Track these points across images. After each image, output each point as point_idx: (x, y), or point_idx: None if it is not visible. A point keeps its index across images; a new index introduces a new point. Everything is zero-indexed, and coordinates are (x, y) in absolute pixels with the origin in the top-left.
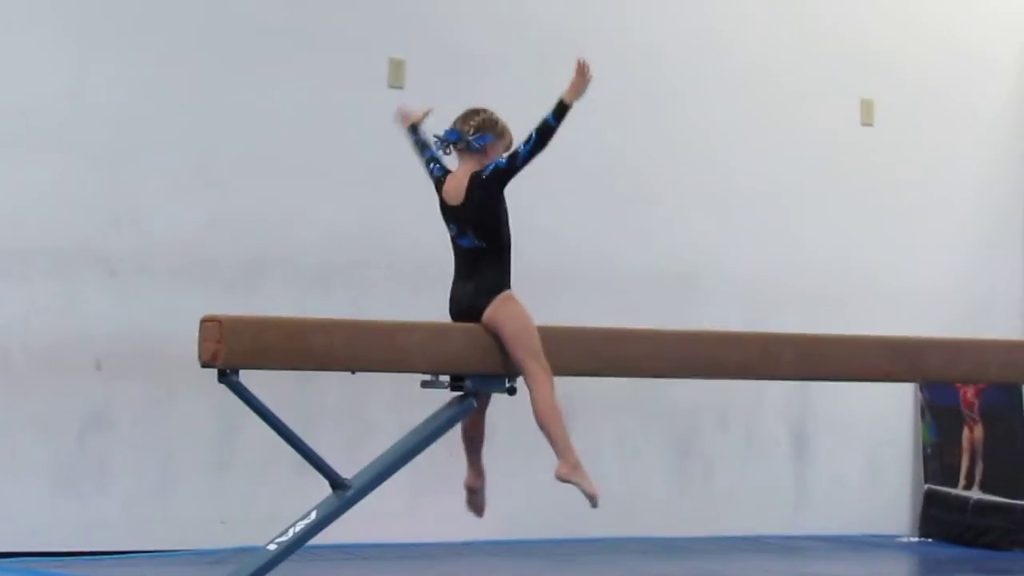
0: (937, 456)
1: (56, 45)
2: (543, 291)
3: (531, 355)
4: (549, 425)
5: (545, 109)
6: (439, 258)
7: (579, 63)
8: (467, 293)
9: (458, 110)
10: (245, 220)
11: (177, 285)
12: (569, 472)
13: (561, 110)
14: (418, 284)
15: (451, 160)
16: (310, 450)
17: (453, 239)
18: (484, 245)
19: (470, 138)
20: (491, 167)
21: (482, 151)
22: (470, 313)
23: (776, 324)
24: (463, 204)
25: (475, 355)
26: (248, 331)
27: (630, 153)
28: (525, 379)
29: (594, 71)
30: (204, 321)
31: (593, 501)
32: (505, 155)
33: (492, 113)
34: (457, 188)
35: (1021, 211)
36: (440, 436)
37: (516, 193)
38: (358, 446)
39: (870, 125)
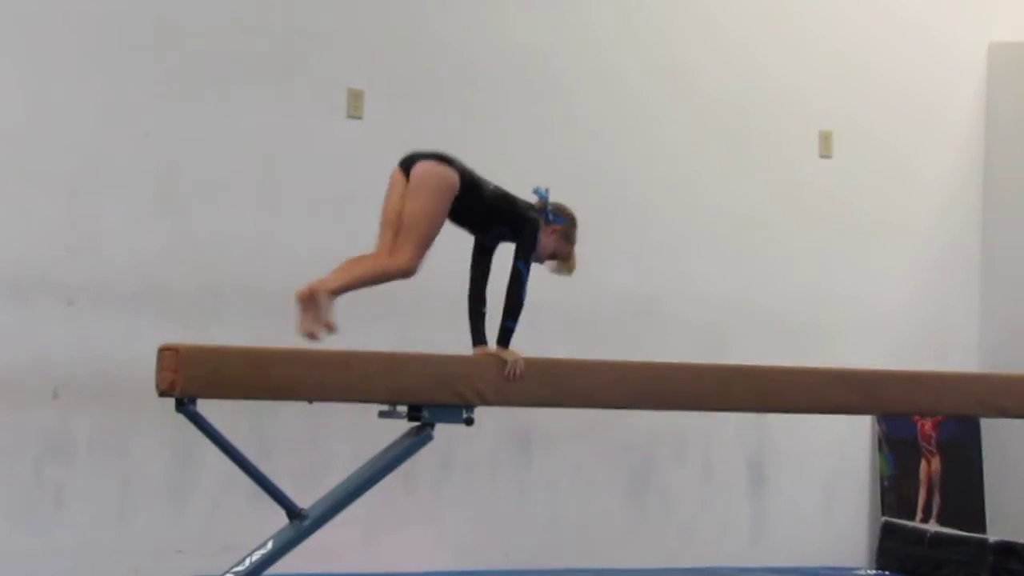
0: (894, 488)
1: (14, 73)
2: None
3: (408, 241)
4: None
5: (498, 141)
6: (396, 288)
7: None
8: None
9: (417, 141)
10: (204, 249)
11: (135, 314)
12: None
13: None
14: (375, 314)
15: None
16: (267, 479)
17: None
18: (489, 189)
19: (548, 208)
20: (533, 237)
21: (548, 224)
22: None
23: (735, 354)
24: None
25: (432, 385)
26: (205, 360)
27: (589, 184)
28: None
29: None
30: (162, 350)
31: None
32: (527, 260)
33: (575, 215)
34: None
35: (978, 243)
36: (397, 466)
37: None
38: (315, 476)
39: (828, 157)
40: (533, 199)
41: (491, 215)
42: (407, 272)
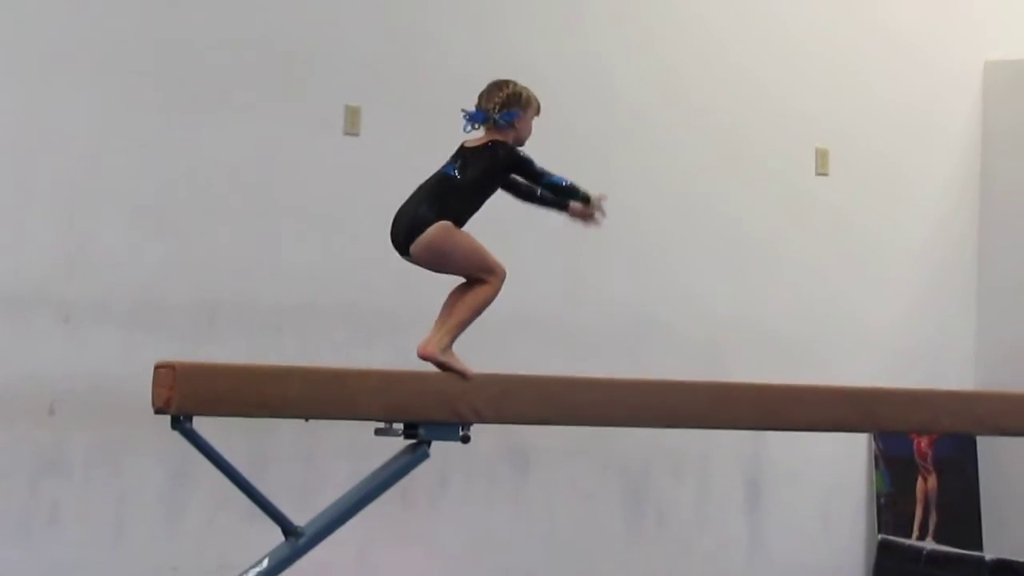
0: (891, 506)
1: (11, 89)
2: (497, 338)
3: (486, 270)
4: (465, 313)
5: None
6: (393, 305)
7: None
8: (409, 212)
9: (415, 158)
10: (200, 266)
11: (131, 330)
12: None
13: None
14: (372, 331)
15: None
16: (263, 497)
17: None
18: (459, 177)
19: (496, 116)
20: (521, 159)
21: (509, 126)
22: (408, 232)
23: (730, 370)
24: (474, 148)
25: (429, 403)
26: (202, 378)
27: None
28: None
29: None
30: (158, 367)
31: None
32: (537, 167)
33: (516, 85)
34: (475, 139)
35: (974, 260)
36: (393, 484)
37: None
38: (311, 493)
39: (825, 175)
40: (473, 129)
41: (493, 181)
42: (503, 277)
